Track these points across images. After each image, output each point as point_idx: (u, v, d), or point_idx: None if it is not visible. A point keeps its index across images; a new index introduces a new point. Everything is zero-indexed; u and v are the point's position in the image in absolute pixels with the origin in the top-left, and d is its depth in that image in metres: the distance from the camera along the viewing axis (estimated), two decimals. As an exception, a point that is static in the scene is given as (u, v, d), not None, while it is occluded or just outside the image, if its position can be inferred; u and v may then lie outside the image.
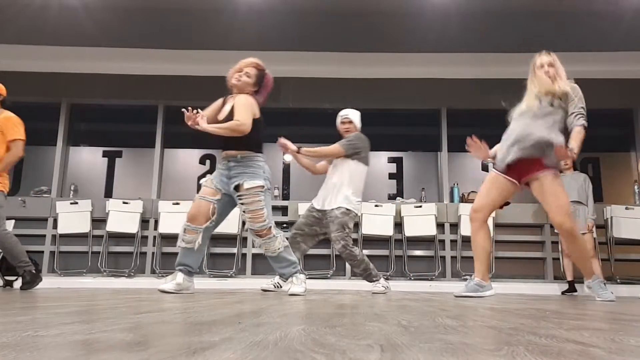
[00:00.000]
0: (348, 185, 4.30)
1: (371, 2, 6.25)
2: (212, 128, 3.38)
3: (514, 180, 3.53)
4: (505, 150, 3.50)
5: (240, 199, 3.43)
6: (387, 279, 6.34)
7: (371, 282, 4.43)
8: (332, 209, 4.27)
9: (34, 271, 4.23)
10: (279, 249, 3.46)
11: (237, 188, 3.43)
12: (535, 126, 3.39)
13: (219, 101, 3.69)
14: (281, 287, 4.29)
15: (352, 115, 4.52)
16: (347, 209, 4.25)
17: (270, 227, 3.44)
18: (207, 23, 6.66)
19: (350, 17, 6.54)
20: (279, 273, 3.68)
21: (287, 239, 4.40)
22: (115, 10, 6.41)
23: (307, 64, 7.04)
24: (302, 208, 6.42)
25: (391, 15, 6.46)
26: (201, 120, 3.38)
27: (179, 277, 3.51)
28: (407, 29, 6.75)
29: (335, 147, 4.33)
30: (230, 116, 3.45)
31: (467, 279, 6.30)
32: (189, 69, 7.46)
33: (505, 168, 3.50)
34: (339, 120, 4.56)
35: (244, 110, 3.39)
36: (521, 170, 3.47)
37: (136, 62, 7.42)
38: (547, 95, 3.45)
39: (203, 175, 7.87)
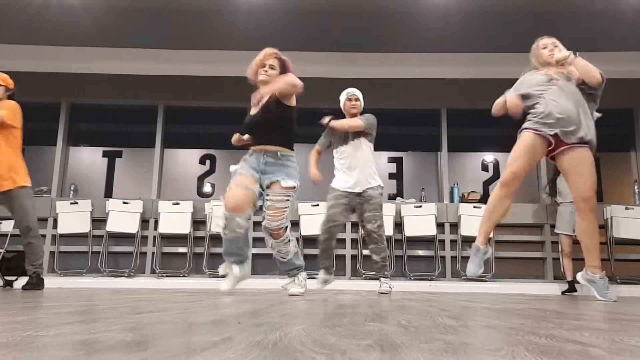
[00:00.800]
0: (375, 164, 4.41)
1: (371, 2, 6.25)
2: (272, 86, 3.30)
3: (550, 143, 3.40)
4: (554, 120, 3.35)
5: (269, 196, 3.31)
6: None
7: (382, 276, 4.31)
8: (372, 187, 4.29)
9: (42, 276, 4.26)
10: (289, 255, 3.38)
11: (270, 185, 3.33)
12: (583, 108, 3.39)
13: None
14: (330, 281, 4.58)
15: (358, 93, 4.51)
16: (381, 187, 4.36)
17: (287, 227, 3.34)
18: (207, 23, 6.66)
19: (350, 17, 6.54)
20: (282, 271, 3.57)
21: (323, 232, 4.34)
22: (115, 10, 6.42)
23: (307, 64, 7.02)
24: (302, 208, 6.42)
25: (391, 15, 6.46)
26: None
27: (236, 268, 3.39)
28: (407, 29, 6.75)
29: (356, 121, 4.35)
30: (265, 108, 3.37)
31: (465, 278, 6.30)
32: (189, 69, 7.46)
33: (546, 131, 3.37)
34: (344, 97, 4.50)
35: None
36: (559, 140, 3.37)
37: (136, 62, 7.42)
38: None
39: (203, 176, 7.87)
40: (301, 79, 3.51)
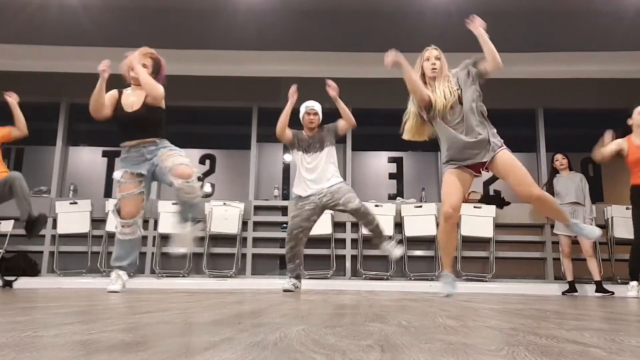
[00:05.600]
0: (336, 164, 4.59)
1: (371, 1, 6.24)
2: (143, 74, 3.62)
3: (474, 171, 3.54)
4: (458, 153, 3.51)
5: (167, 166, 3.57)
6: (387, 279, 6.37)
7: (384, 241, 4.47)
8: (337, 184, 4.43)
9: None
10: (197, 192, 3.63)
11: (160, 160, 3.63)
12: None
13: (114, 93, 3.91)
14: (299, 287, 4.46)
15: (318, 108, 4.60)
16: (343, 181, 4.56)
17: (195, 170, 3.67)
18: (207, 23, 6.66)
19: (350, 17, 6.53)
20: (183, 217, 3.79)
21: (289, 240, 4.44)
22: (115, 10, 6.41)
23: (307, 64, 7.03)
24: (302, 208, 6.42)
25: (391, 15, 6.45)
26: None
27: (124, 275, 3.74)
28: (407, 29, 6.74)
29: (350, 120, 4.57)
30: (143, 109, 3.70)
31: (469, 279, 6.31)
32: (189, 69, 7.45)
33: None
34: (303, 110, 4.58)
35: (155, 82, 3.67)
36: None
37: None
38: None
39: (204, 175, 7.87)
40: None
